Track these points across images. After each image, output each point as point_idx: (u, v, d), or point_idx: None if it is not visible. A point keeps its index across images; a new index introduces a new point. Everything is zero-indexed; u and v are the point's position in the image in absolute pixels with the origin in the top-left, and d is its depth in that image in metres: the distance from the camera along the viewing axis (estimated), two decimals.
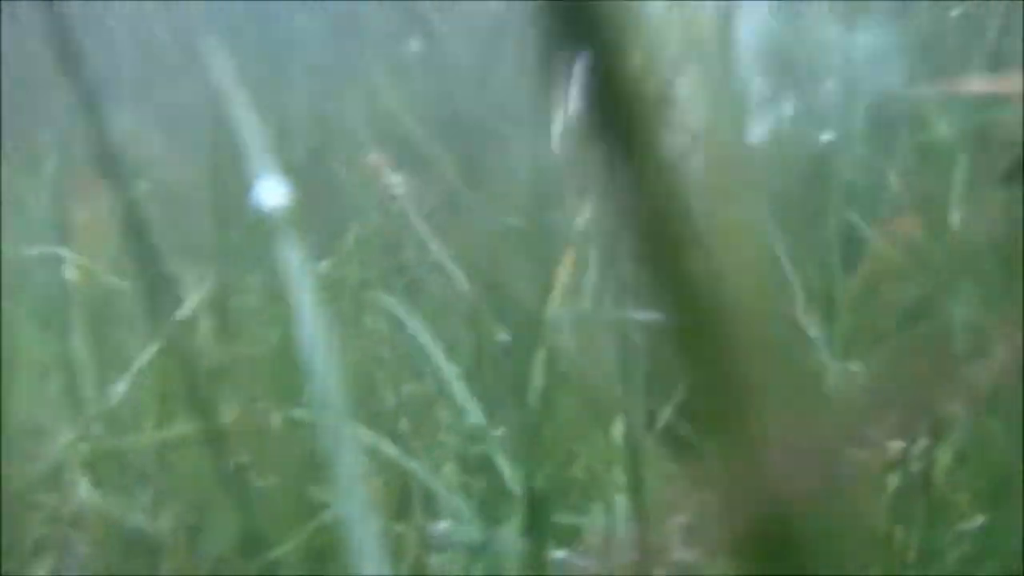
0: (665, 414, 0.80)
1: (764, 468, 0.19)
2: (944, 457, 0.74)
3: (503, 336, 0.78)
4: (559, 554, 0.75)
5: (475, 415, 0.82)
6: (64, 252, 1.03)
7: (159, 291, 1.11)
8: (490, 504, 0.76)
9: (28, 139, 1.49)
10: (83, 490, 0.87)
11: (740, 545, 0.20)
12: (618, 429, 0.78)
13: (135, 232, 0.50)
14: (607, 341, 0.88)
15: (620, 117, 0.18)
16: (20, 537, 0.80)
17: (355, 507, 0.37)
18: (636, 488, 0.73)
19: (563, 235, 0.95)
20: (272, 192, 0.28)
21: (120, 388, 0.97)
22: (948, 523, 0.72)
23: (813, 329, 0.83)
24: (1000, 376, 0.65)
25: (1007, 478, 0.69)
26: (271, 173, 0.29)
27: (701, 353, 0.19)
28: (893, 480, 0.70)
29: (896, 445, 0.69)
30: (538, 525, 0.71)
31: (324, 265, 1.16)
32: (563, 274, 0.90)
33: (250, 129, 0.30)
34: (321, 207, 1.33)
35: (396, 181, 1.03)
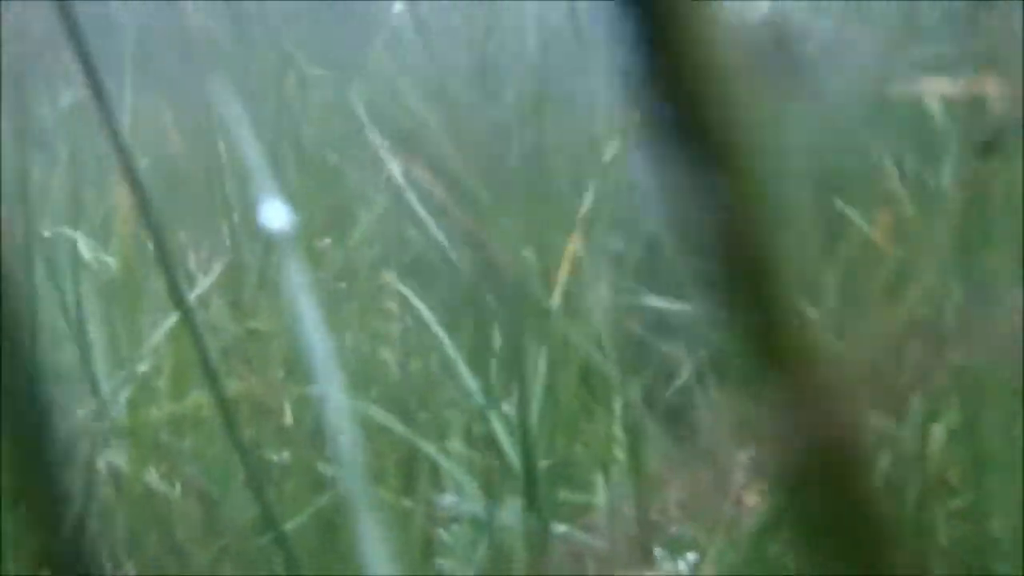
0: (665, 393, 0.81)
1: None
2: (937, 435, 0.75)
3: (506, 314, 0.80)
4: (561, 528, 0.77)
5: (479, 393, 0.84)
6: (76, 234, 1.05)
7: (173, 268, 1.13)
8: (494, 480, 0.79)
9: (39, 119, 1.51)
10: (100, 465, 0.90)
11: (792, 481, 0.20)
12: (618, 407, 0.80)
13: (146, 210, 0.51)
14: (610, 321, 0.90)
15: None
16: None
17: (355, 482, 0.39)
18: (636, 465, 0.75)
19: (569, 215, 0.97)
20: (276, 215, 0.30)
21: (136, 364, 0.99)
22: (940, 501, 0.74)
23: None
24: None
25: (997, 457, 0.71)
26: (274, 196, 0.30)
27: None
28: (885, 458, 0.71)
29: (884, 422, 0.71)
30: (540, 501, 0.73)
31: (329, 243, 1.18)
32: (569, 254, 0.92)
33: (253, 150, 0.31)
34: (330, 188, 1.35)
35: (398, 166, 1.05)
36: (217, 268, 1.19)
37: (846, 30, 1.12)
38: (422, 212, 0.90)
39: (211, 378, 0.49)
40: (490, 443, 0.80)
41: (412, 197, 0.99)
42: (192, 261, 1.25)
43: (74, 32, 0.47)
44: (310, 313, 0.30)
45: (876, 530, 0.21)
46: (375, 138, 0.99)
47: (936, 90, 0.85)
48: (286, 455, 0.95)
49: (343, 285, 1.12)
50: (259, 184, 0.30)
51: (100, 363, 0.99)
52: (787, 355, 0.20)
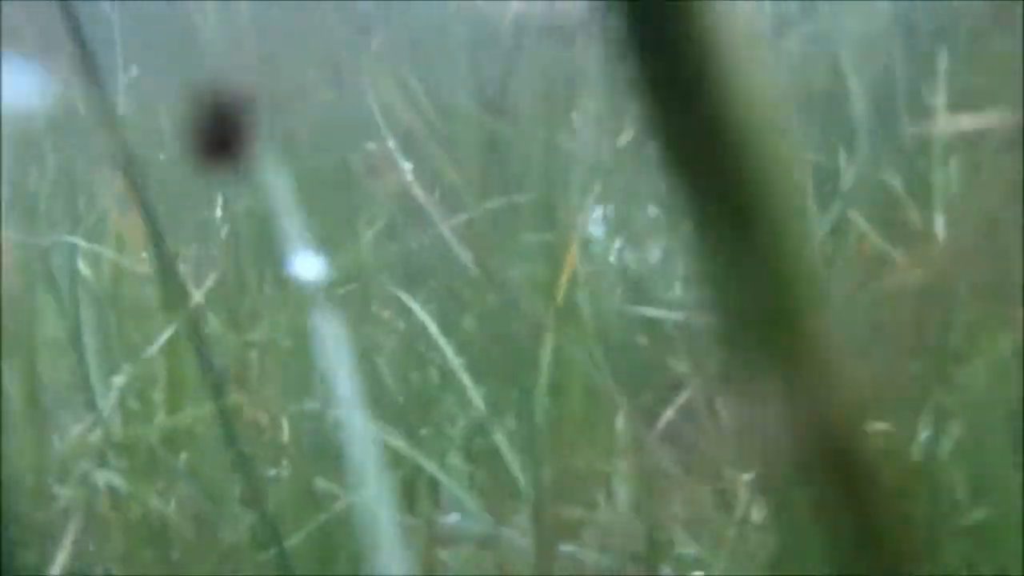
0: (667, 409, 0.81)
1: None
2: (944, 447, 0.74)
3: (510, 326, 0.79)
4: (566, 548, 0.76)
5: (482, 407, 0.83)
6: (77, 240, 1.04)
7: (171, 278, 1.12)
8: (497, 497, 0.78)
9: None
10: (96, 479, 0.88)
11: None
12: (621, 423, 0.79)
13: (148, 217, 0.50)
14: (613, 334, 0.89)
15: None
16: (33, 527, 0.81)
17: (369, 500, 0.38)
18: (640, 482, 0.74)
19: (569, 226, 0.96)
20: (308, 266, 0.30)
21: (132, 376, 0.98)
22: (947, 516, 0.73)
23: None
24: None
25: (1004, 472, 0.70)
26: (307, 247, 0.30)
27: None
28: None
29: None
30: (545, 518, 0.72)
31: (334, 257, 1.16)
32: (569, 265, 0.91)
33: (286, 203, 0.31)
34: (332, 196, 1.34)
35: (405, 170, 1.04)
36: (210, 280, 1.18)
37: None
38: (422, 223, 0.89)
39: (211, 390, 0.48)
40: (492, 459, 0.79)
41: (413, 208, 0.98)
42: (186, 273, 1.24)
43: (75, 33, 0.46)
44: (344, 379, 0.29)
45: (883, 533, 0.21)
46: (375, 145, 0.99)
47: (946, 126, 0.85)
48: (284, 471, 0.94)
49: (343, 293, 1.12)
50: (290, 235, 0.30)
51: (96, 375, 0.98)
52: (790, 356, 0.19)
